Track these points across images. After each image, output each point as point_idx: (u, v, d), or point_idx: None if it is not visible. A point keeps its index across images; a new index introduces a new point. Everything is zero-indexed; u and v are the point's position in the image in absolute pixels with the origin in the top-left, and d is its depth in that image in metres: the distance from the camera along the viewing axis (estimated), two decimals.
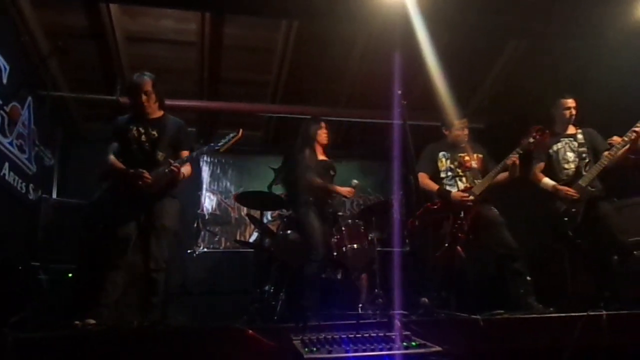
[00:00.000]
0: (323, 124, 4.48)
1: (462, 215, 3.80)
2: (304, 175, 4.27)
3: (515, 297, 3.63)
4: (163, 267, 3.30)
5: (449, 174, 4.06)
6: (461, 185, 3.99)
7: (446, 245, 3.77)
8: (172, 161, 3.28)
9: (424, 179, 4.04)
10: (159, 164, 3.32)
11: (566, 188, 3.86)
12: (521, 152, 3.81)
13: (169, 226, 3.34)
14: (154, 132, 3.40)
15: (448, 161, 4.09)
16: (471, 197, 3.81)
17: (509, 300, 3.69)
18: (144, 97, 3.38)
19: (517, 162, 3.81)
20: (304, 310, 3.15)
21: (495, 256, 3.88)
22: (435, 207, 3.90)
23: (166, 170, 3.26)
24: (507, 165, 3.81)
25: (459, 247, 3.77)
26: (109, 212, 3.37)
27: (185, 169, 3.37)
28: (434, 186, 4.03)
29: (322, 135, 4.44)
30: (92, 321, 2.86)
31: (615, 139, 3.80)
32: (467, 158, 4.06)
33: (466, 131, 4.15)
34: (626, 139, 3.73)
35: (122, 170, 3.30)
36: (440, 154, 4.12)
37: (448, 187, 4.00)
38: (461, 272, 3.92)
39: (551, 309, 3.33)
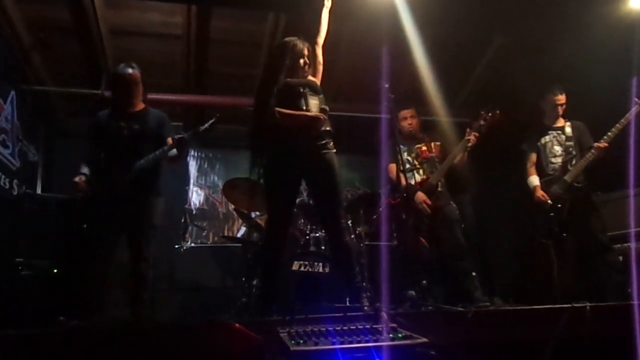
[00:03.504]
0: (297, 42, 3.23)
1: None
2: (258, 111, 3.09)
3: (464, 292, 3.73)
4: (151, 263, 3.32)
5: (407, 166, 4.09)
6: (418, 178, 4.04)
7: (409, 238, 3.81)
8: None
9: (393, 170, 4.07)
10: (142, 157, 3.30)
11: (542, 193, 3.94)
12: (478, 133, 3.84)
13: (155, 224, 3.36)
14: (137, 126, 3.36)
15: (405, 153, 4.11)
16: (428, 203, 3.90)
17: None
18: (133, 88, 3.37)
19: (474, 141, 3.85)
20: (291, 304, 3.15)
21: (443, 253, 3.94)
22: (396, 202, 3.95)
23: (165, 148, 3.30)
24: (466, 146, 3.85)
25: (422, 239, 3.82)
26: (93, 210, 3.32)
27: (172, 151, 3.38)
28: (403, 181, 4.06)
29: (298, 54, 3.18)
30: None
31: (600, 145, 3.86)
32: (424, 148, 4.11)
33: (413, 121, 4.16)
34: (607, 139, 3.81)
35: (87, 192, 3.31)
36: (400, 147, 4.15)
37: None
38: (429, 261, 3.96)
39: (500, 301, 3.38)
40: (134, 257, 3.28)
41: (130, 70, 3.37)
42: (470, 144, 3.84)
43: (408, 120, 4.18)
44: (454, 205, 4.00)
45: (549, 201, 3.91)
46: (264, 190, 3.34)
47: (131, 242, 3.31)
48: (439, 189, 3.97)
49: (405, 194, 3.85)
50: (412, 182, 4.03)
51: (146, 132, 3.36)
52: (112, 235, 3.27)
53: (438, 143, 4.17)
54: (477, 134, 3.84)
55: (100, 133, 3.41)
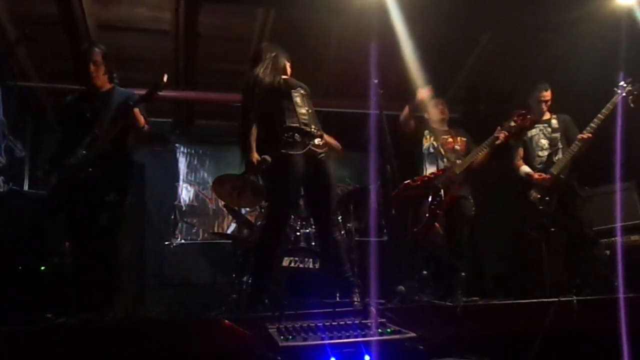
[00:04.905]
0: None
1: (441, 193, 3.86)
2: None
3: (444, 287, 3.74)
4: (116, 256, 3.24)
5: (431, 150, 4.11)
6: (441, 165, 4.04)
7: (425, 220, 3.82)
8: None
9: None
10: (95, 140, 3.12)
11: (539, 173, 3.98)
12: (507, 132, 3.89)
13: (117, 215, 3.22)
14: (99, 106, 3.23)
15: (432, 138, 4.14)
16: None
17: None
18: (92, 67, 3.25)
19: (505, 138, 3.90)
20: (280, 300, 3.15)
21: (444, 245, 3.95)
22: (416, 184, 3.94)
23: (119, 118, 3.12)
24: (494, 143, 3.89)
25: (436, 224, 3.83)
26: (66, 199, 3.16)
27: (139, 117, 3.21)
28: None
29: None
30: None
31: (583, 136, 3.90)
32: (450, 140, 4.13)
33: (444, 109, 4.22)
34: (590, 129, 3.85)
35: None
36: (425, 131, 4.17)
37: (428, 165, 4.06)
38: (440, 249, 3.96)
39: (476, 298, 3.41)
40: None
41: (91, 48, 3.30)
42: (498, 142, 3.88)
43: (440, 107, 4.21)
44: (472, 201, 4.02)
45: (547, 177, 3.92)
46: (266, 190, 3.33)
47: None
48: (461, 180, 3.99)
49: (419, 182, 3.89)
50: (434, 168, 4.04)
51: (107, 112, 3.18)
52: (80, 227, 3.12)
53: (464, 139, 4.19)
54: (506, 133, 3.87)
55: (66, 118, 3.32)
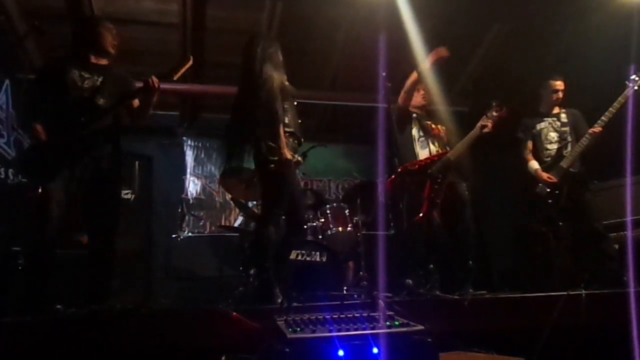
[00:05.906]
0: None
1: (439, 181, 3.82)
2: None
3: (449, 279, 3.69)
4: (112, 242, 3.04)
5: (421, 134, 4.05)
6: (433, 149, 3.99)
7: (425, 209, 3.78)
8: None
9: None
10: (99, 112, 2.93)
11: (548, 175, 3.94)
12: (492, 121, 3.85)
13: (115, 187, 3.12)
14: (98, 78, 3.01)
15: (419, 122, 4.10)
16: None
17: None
18: (110, 36, 3.10)
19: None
20: (288, 293, 3.16)
21: (452, 235, 3.91)
22: (414, 167, 3.90)
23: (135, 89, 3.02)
24: (481, 131, 3.82)
25: (434, 213, 3.80)
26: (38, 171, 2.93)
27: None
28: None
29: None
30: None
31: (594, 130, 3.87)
32: (433, 126, 4.08)
33: (425, 94, 4.12)
34: (601, 123, 3.82)
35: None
36: (414, 115, 4.13)
37: (419, 149, 4.01)
38: (441, 242, 3.92)
39: (484, 291, 3.37)
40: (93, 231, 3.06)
41: (104, 21, 3.19)
42: (485, 130, 3.83)
43: (422, 92, 4.16)
44: (464, 184, 3.99)
45: (554, 180, 3.89)
46: (269, 189, 3.28)
47: (85, 213, 3.03)
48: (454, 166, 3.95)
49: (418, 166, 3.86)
50: (427, 151, 3.99)
51: (108, 88, 3.00)
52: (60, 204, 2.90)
53: (443, 127, 4.15)
54: (492, 122, 3.84)
55: (52, 82, 2.99)
